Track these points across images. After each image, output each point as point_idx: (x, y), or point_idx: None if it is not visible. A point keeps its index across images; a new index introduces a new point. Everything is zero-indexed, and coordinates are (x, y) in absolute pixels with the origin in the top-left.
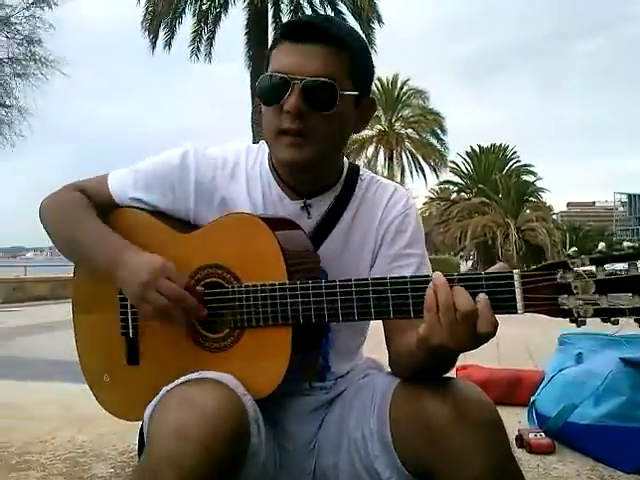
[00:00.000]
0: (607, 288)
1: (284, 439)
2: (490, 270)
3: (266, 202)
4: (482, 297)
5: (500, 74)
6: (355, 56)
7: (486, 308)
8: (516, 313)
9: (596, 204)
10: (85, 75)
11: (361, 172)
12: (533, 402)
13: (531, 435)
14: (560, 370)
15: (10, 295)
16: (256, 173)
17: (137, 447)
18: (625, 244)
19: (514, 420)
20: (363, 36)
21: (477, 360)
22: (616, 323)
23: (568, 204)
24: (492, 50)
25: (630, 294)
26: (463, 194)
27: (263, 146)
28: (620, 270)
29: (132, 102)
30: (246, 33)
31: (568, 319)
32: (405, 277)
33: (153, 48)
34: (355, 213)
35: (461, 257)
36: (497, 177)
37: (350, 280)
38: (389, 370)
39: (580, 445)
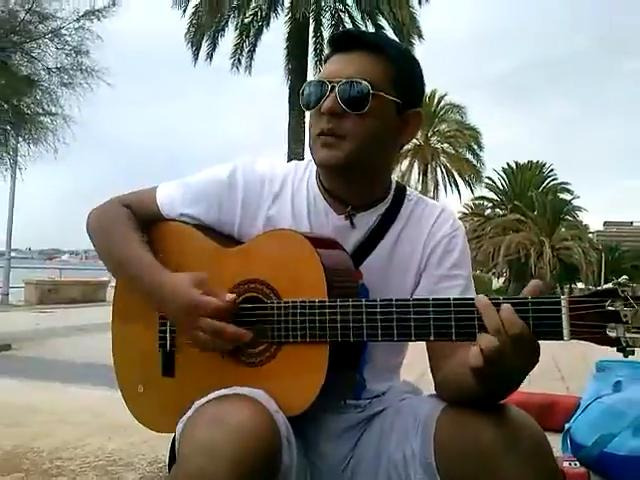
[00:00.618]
0: None
1: (316, 457)
2: (534, 294)
3: (311, 216)
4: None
5: (539, 90)
6: (397, 62)
7: (526, 330)
8: (562, 340)
9: (634, 224)
10: (129, 85)
11: (408, 192)
12: (568, 429)
13: (565, 464)
14: (597, 398)
15: (45, 297)
16: (302, 188)
17: (167, 460)
18: None
19: None
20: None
21: None
22: None
23: (605, 223)
24: (531, 66)
25: None
26: (498, 210)
27: (311, 163)
28: None
29: (173, 112)
30: (287, 47)
31: (615, 348)
32: (448, 299)
33: (195, 60)
34: (402, 230)
35: (493, 274)
36: (533, 194)
37: (391, 300)
38: (430, 393)
39: (616, 476)
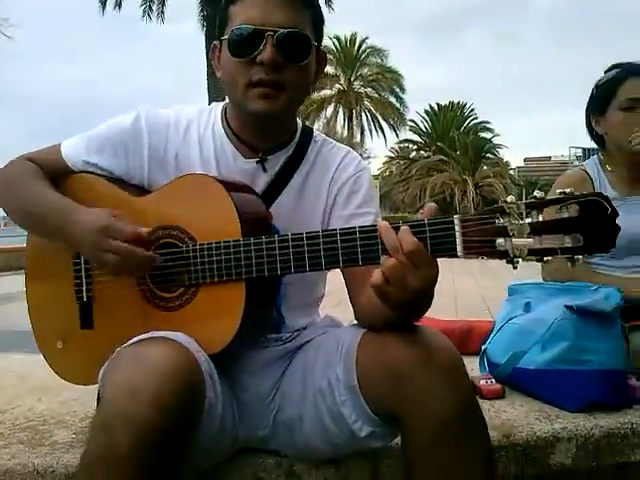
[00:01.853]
0: (540, 230)
1: (241, 392)
2: (430, 216)
3: (219, 161)
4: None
5: (457, 32)
6: (316, 9)
7: (421, 248)
8: (456, 256)
9: (552, 159)
10: (34, 38)
11: (314, 134)
12: (484, 351)
13: (482, 382)
14: (509, 319)
15: None
16: (208, 133)
17: (96, 408)
18: (558, 190)
19: (467, 368)
20: None
21: (436, 315)
22: (548, 262)
23: (525, 159)
24: (449, 8)
25: (561, 235)
26: (422, 152)
27: (216, 107)
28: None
29: (83, 65)
30: None
31: (505, 260)
32: (354, 227)
33: (103, 8)
34: (308, 172)
35: (420, 214)
36: (455, 135)
37: (302, 233)
38: (352, 323)
39: (528, 389)
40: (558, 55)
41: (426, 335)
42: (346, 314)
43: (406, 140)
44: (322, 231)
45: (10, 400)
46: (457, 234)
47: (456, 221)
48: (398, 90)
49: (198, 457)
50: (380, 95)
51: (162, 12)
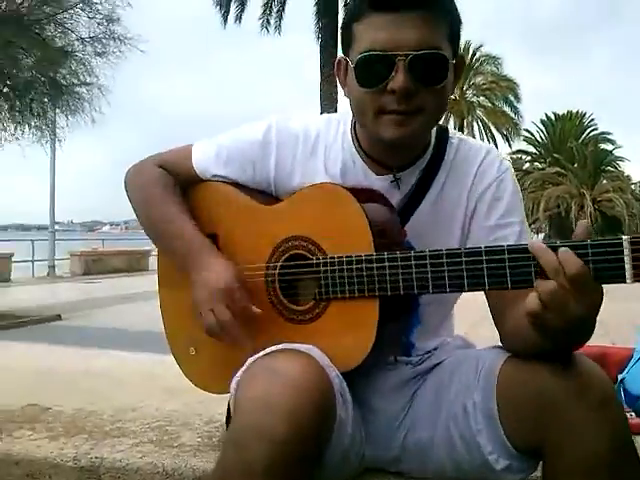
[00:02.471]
0: None
1: (369, 414)
2: (586, 237)
3: (347, 177)
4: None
5: (578, 38)
6: (451, 15)
7: (587, 271)
8: (624, 282)
9: None
10: (160, 52)
11: (450, 135)
12: (622, 380)
13: None
14: None
15: (90, 267)
16: (338, 147)
17: (225, 417)
18: None
19: None
20: None
21: None
22: None
23: None
24: (569, 13)
25: None
26: (537, 164)
27: (344, 119)
28: None
29: (206, 77)
30: (316, 3)
31: None
32: (501, 246)
33: (225, 22)
34: (445, 180)
35: (533, 230)
36: (573, 146)
37: (441, 250)
38: (495, 345)
39: None
40: None
41: (579, 363)
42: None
43: (520, 151)
44: (465, 249)
45: (139, 399)
46: (626, 258)
47: (625, 243)
48: (513, 99)
49: (326, 474)
50: (494, 104)
51: (279, 25)
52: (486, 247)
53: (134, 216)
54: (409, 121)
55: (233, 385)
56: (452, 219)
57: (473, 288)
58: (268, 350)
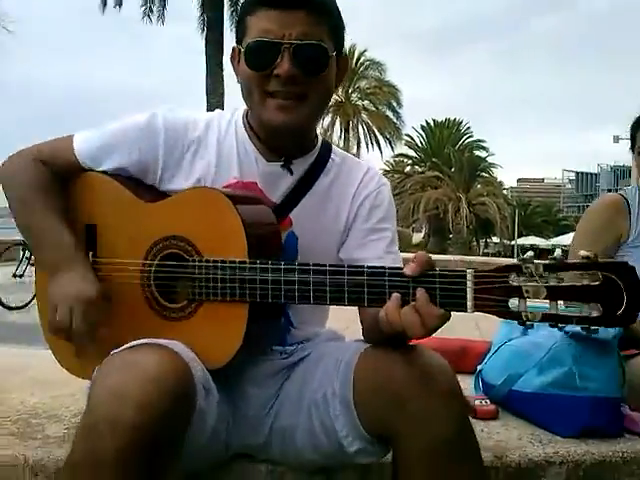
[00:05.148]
0: (557, 295)
1: (241, 402)
2: (445, 267)
3: (241, 162)
4: (420, 293)
5: (457, 49)
6: (335, 18)
7: (432, 309)
8: (465, 311)
9: (545, 181)
10: (33, 34)
11: (333, 148)
12: (480, 371)
13: (477, 402)
14: (507, 341)
15: None
16: (230, 134)
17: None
18: (581, 253)
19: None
20: None
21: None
22: (561, 329)
23: (518, 180)
24: (450, 24)
25: (579, 303)
26: (417, 167)
27: (238, 110)
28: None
29: (83, 63)
30: None
31: (517, 322)
32: (362, 266)
33: (104, 6)
34: (333, 179)
35: (413, 229)
36: (450, 152)
37: (308, 264)
38: (356, 338)
39: (522, 412)
40: (556, 78)
41: (424, 356)
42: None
43: (401, 154)
44: (329, 265)
45: (1, 392)
46: (469, 290)
47: (469, 276)
48: (395, 104)
49: (186, 464)
50: (377, 108)
51: (163, 14)
52: (349, 266)
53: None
54: (292, 108)
55: (93, 377)
56: (337, 217)
57: (334, 302)
58: (130, 344)
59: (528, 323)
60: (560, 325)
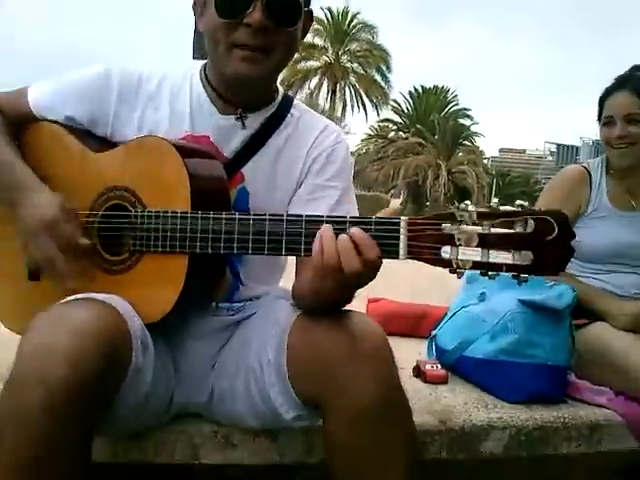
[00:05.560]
0: (489, 243)
1: (182, 358)
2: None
3: (194, 115)
4: (355, 228)
5: (449, 15)
6: None
7: (366, 238)
8: (397, 258)
9: (527, 152)
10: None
11: (296, 102)
12: (434, 336)
13: (427, 366)
14: (463, 307)
15: None
16: (185, 87)
17: None
18: (517, 202)
19: (415, 352)
20: None
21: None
22: (493, 278)
23: (500, 150)
24: None
25: (510, 250)
26: (401, 133)
27: (196, 64)
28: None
29: (65, 15)
30: None
31: (448, 269)
32: (300, 215)
33: None
34: (288, 136)
35: (392, 195)
36: (435, 119)
37: (249, 214)
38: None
39: (472, 377)
40: (546, 51)
41: (354, 322)
42: None
43: (387, 120)
44: (269, 214)
45: None
46: (402, 237)
47: (402, 223)
48: (385, 69)
49: (124, 423)
50: (366, 72)
51: None
52: (288, 215)
53: None
54: (260, 60)
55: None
56: (290, 172)
57: (271, 252)
58: (66, 299)
59: (459, 271)
60: (490, 273)
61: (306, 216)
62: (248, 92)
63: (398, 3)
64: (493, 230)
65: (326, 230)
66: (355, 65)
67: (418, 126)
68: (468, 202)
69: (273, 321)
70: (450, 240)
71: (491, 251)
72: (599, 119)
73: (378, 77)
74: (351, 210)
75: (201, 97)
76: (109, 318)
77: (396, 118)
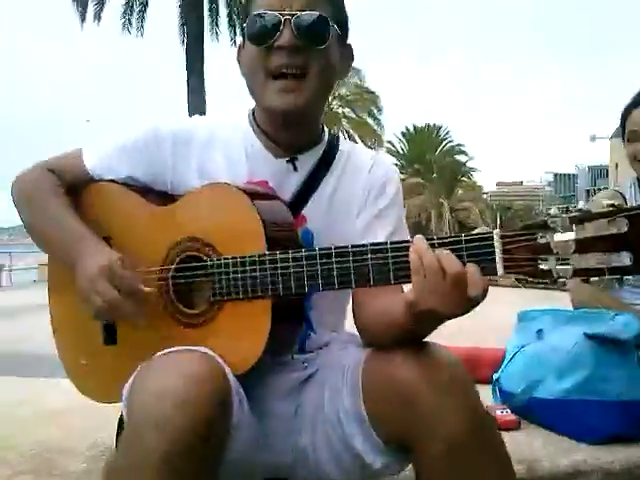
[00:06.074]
0: (586, 247)
1: (265, 418)
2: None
3: (249, 161)
4: (470, 264)
5: (439, 52)
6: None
7: (476, 272)
8: (496, 275)
9: (524, 183)
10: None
11: (341, 138)
12: (497, 380)
13: (497, 412)
14: (522, 347)
15: None
16: (237, 134)
17: (115, 434)
18: (604, 202)
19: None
20: None
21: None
22: (596, 284)
23: (497, 184)
24: (429, 29)
25: (608, 253)
26: (401, 175)
27: (241, 110)
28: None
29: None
30: (180, 5)
31: (548, 280)
32: (385, 243)
33: (83, 20)
34: (342, 172)
35: None
36: (431, 157)
37: (330, 248)
38: (356, 345)
39: (544, 420)
40: (532, 82)
41: (430, 351)
42: None
43: None
44: (352, 245)
45: (17, 426)
46: (497, 251)
47: (496, 237)
48: (375, 110)
49: (231, 473)
50: (358, 116)
51: (142, 26)
52: (371, 244)
53: None
54: (296, 88)
55: (125, 390)
56: (349, 208)
57: (360, 284)
58: (161, 353)
59: (560, 280)
60: (592, 279)
61: (391, 242)
62: (293, 126)
63: (378, 44)
64: (588, 234)
65: (422, 244)
66: (347, 110)
67: (415, 166)
68: (556, 209)
69: (341, 369)
70: (547, 250)
71: (589, 256)
72: (623, 138)
73: (370, 120)
74: (408, 237)
75: (254, 141)
76: (212, 364)
77: (393, 160)
